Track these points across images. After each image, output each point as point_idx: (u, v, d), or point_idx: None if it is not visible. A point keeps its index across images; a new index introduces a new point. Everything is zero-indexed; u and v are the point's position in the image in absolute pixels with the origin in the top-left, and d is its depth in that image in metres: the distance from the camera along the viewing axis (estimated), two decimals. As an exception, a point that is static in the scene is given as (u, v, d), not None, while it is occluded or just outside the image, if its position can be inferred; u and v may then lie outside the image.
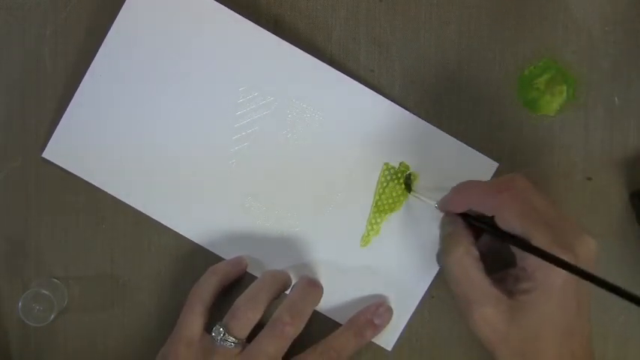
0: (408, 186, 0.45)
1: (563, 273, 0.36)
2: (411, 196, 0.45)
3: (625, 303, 0.46)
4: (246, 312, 0.42)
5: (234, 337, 0.42)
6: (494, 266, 0.40)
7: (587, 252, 0.37)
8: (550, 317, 0.36)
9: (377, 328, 0.45)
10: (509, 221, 0.37)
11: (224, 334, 0.42)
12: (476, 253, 0.39)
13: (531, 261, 0.37)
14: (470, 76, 0.46)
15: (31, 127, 0.46)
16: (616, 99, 0.46)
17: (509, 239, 0.38)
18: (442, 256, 0.40)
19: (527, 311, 0.37)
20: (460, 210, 0.40)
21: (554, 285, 0.36)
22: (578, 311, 0.37)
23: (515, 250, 0.38)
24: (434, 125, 0.46)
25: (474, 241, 0.39)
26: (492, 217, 0.38)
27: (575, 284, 0.36)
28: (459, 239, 0.39)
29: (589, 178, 0.46)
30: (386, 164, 0.46)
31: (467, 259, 0.38)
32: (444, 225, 0.42)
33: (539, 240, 0.36)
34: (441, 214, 0.43)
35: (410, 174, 0.45)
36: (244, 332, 0.42)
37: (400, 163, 0.46)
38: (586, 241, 0.37)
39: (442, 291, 0.46)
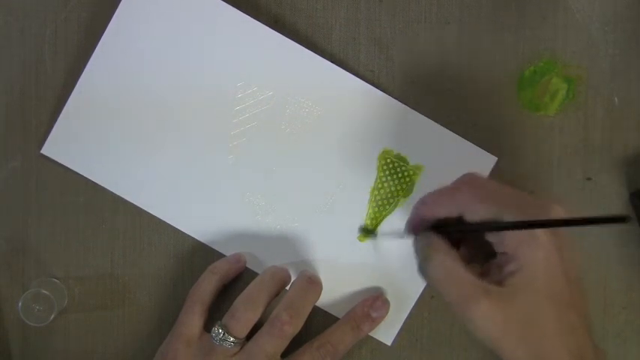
0: (368, 232, 0.46)
1: (542, 245, 0.35)
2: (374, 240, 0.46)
3: (624, 302, 0.46)
4: (245, 312, 0.42)
5: (233, 337, 0.42)
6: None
7: (558, 216, 0.36)
8: (541, 293, 0.36)
9: (374, 321, 0.45)
10: (476, 210, 0.37)
11: (223, 334, 0.42)
12: (455, 254, 0.38)
13: (509, 242, 0.36)
14: (470, 77, 0.46)
15: (31, 127, 0.46)
16: (616, 99, 0.46)
17: (481, 227, 0.37)
18: (424, 266, 0.38)
19: (518, 293, 0.36)
20: (428, 224, 0.39)
21: (537, 259, 0.35)
22: (568, 282, 0.36)
23: (492, 239, 0.37)
24: (434, 125, 0.46)
25: (451, 245, 0.38)
26: (460, 219, 0.38)
27: (558, 254, 0.36)
28: (436, 247, 0.38)
29: (589, 178, 0.46)
30: (383, 150, 0.46)
31: (448, 260, 0.37)
32: (417, 244, 0.40)
33: (509, 216, 0.35)
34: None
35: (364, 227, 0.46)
36: (243, 332, 0.42)
37: (399, 157, 0.46)
38: (554, 208, 0.36)
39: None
